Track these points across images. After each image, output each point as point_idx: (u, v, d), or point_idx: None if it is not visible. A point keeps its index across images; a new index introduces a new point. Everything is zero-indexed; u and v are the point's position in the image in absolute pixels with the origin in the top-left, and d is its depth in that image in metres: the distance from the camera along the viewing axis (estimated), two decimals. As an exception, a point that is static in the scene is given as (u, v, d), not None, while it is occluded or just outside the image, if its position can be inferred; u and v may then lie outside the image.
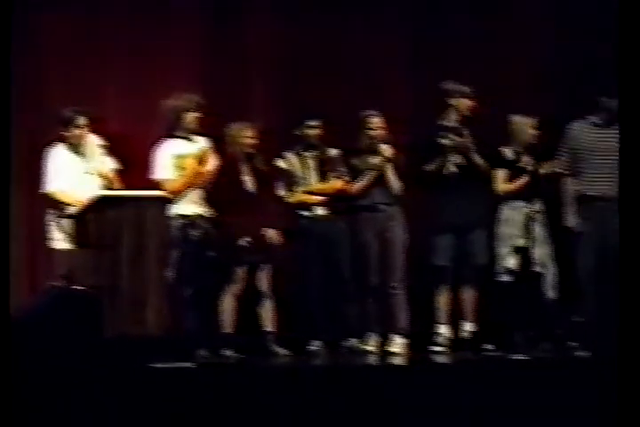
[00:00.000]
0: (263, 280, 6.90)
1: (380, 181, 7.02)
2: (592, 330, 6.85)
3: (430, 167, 7.01)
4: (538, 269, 6.86)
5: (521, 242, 6.87)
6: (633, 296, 5.16)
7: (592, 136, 6.92)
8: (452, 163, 7.01)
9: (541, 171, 6.89)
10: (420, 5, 7.84)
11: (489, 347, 6.85)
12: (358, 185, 7.06)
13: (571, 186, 6.96)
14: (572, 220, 6.93)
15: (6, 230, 5.44)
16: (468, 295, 7.01)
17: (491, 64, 7.71)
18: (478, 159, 6.99)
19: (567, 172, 6.96)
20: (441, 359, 6.70)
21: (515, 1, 7.88)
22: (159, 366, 5.71)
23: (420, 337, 7.01)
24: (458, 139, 6.98)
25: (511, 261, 6.90)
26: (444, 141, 7.02)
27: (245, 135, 6.90)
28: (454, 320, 7.03)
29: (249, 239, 6.82)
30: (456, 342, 6.98)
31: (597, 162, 6.89)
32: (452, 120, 7.05)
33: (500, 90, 7.55)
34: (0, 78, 5.49)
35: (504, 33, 7.80)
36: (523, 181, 6.94)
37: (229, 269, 6.82)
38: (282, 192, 7.12)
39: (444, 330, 7.01)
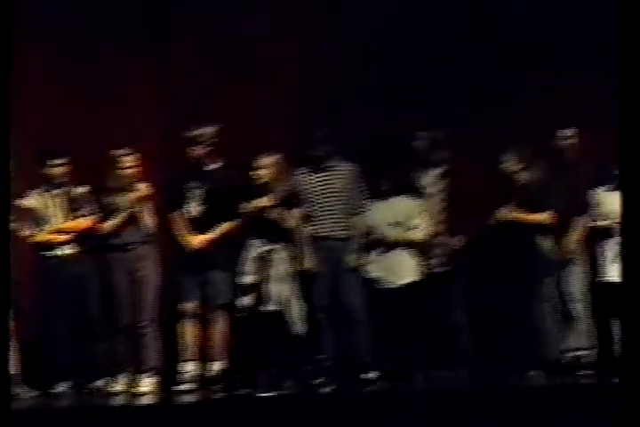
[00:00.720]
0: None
1: (133, 219, 7.02)
2: (333, 367, 7.08)
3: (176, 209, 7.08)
4: (271, 307, 6.97)
5: (253, 279, 7.01)
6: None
7: (311, 180, 7.23)
8: (194, 205, 7.08)
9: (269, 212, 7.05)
10: (171, 46, 7.93)
11: (237, 385, 6.90)
12: (109, 224, 7.02)
13: (305, 228, 7.17)
14: (308, 260, 7.14)
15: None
16: (216, 333, 7.06)
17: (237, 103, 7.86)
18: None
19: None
20: (188, 398, 6.70)
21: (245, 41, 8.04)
22: None
23: (171, 376, 7.01)
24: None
25: (246, 299, 7.02)
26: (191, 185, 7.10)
27: None
28: (204, 358, 7.06)
29: None
30: (205, 381, 7.00)
31: (322, 204, 7.19)
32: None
33: (248, 129, 7.69)
34: None
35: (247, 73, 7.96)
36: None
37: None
38: (26, 232, 6.98)
39: (190, 368, 7.01)
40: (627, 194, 5.41)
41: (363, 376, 7.05)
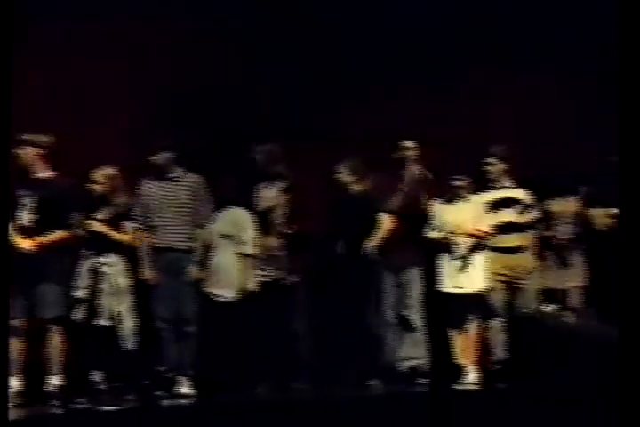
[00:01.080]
0: None
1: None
2: (172, 379, 7.05)
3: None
4: (103, 321, 6.91)
5: (87, 293, 6.93)
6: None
7: (158, 191, 7.22)
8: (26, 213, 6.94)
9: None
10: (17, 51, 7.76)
11: (79, 400, 6.75)
12: None
13: (142, 240, 7.13)
14: (147, 272, 7.11)
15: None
16: (50, 347, 6.87)
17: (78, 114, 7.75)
18: None
19: (140, 226, 7.14)
20: (16, 414, 6.46)
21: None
22: None
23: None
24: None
25: (79, 313, 6.92)
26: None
27: None
28: (42, 372, 6.92)
29: None
30: (43, 396, 6.86)
31: (166, 215, 7.18)
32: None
33: (88, 139, 7.61)
34: None
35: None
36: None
37: None
38: None
39: (14, 384, 6.78)
40: (626, 197, 5.52)
41: (176, 390, 7.05)
